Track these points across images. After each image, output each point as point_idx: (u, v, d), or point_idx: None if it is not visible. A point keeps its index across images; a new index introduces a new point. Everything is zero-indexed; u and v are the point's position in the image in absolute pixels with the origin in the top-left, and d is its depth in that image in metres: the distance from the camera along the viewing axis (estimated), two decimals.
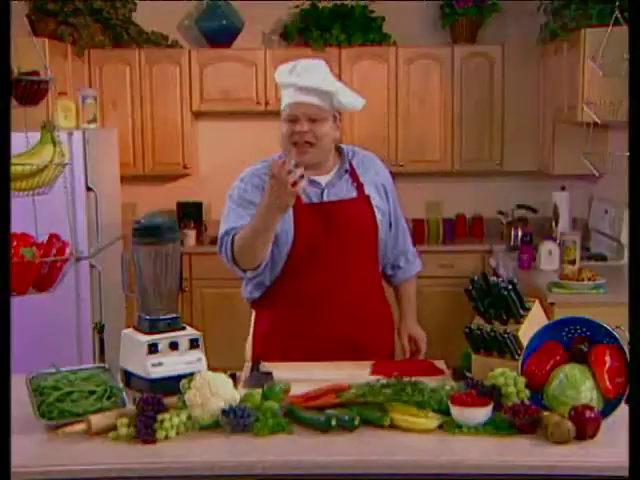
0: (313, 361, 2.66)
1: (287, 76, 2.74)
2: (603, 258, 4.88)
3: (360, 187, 2.82)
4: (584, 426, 1.99)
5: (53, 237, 2.32)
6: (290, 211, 2.66)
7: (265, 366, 2.59)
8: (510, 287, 2.35)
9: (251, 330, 2.95)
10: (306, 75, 2.70)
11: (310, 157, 2.71)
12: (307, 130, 2.68)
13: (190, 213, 5.90)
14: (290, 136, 2.70)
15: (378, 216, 2.82)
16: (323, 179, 2.80)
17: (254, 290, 2.86)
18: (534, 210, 5.80)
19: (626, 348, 2.08)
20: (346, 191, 2.80)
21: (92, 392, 2.18)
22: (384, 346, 2.89)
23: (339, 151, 2.86)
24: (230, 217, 2.76)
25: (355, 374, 2.47)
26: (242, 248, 2.65)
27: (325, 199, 2.78)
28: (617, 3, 4.03)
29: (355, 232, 2.77)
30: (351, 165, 2.84)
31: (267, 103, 5.72)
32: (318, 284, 2.76)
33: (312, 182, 2.76)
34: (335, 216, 2.76)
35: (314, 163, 2.74)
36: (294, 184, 2.41)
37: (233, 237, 2.67)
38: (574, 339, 2.21)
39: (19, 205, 2.18)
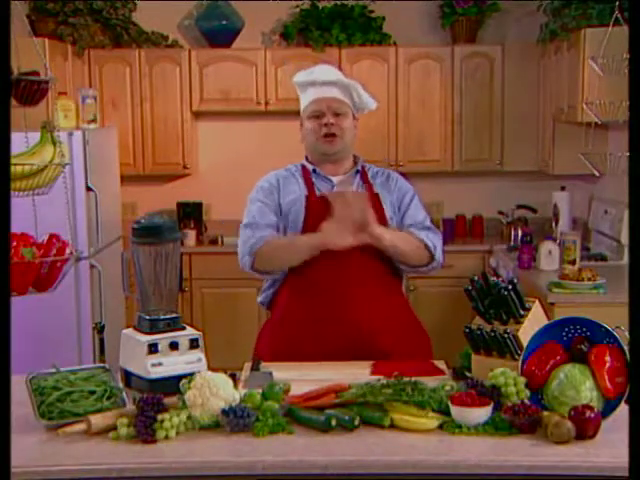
0: (323, 355, 2.67)
1: (306, 76, 2.88)
2: (603, 258, 4.88)
3: (369, 186, 2.91)
4: (584, 426, 1.99)
5: (53, 237, 2.31)
6: (302, 201, 2.82)
7: (265, 366, 2.60)
8: (510, 287, 2.35)
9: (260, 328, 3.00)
10: (325, 73, 2.88)
11: (338, 146, 2.86)
12: (333, 122, 2.83)
13: (190, 213, 5.89)
14: (318, 130, 2.84)
15: (388, 213, 2.87)
16: (335, 178, 2.91)
17: (269, 289, 2.95)
18: (534, 210, 5.80)
19: (626, 348, 2.08)
20: (355, 189, 2.89)
21: (92, 392, 2.18)
22: (398, 342, 2.83)
23: (354, 159, 2.97)
24: (252, 211, 2.87)
25: (355, 374, 2.47)
26: (270, 258, 2.79)
27: None
28: (617, 3, 4.03)
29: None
30: (363, 168, 2.95)
31: (267, 103, 5.71)
32: (324, 276, 2.79)
33: (324, 178, 2.90)
34: None
35: (340, 154, 2.87)
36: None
37: (259, 248, 2.78)
38: (574, 339, 2.21)
39: (19, 205, 2.17)
